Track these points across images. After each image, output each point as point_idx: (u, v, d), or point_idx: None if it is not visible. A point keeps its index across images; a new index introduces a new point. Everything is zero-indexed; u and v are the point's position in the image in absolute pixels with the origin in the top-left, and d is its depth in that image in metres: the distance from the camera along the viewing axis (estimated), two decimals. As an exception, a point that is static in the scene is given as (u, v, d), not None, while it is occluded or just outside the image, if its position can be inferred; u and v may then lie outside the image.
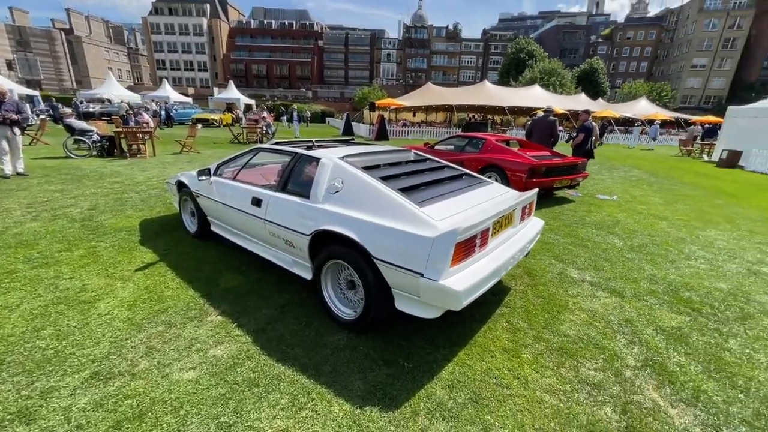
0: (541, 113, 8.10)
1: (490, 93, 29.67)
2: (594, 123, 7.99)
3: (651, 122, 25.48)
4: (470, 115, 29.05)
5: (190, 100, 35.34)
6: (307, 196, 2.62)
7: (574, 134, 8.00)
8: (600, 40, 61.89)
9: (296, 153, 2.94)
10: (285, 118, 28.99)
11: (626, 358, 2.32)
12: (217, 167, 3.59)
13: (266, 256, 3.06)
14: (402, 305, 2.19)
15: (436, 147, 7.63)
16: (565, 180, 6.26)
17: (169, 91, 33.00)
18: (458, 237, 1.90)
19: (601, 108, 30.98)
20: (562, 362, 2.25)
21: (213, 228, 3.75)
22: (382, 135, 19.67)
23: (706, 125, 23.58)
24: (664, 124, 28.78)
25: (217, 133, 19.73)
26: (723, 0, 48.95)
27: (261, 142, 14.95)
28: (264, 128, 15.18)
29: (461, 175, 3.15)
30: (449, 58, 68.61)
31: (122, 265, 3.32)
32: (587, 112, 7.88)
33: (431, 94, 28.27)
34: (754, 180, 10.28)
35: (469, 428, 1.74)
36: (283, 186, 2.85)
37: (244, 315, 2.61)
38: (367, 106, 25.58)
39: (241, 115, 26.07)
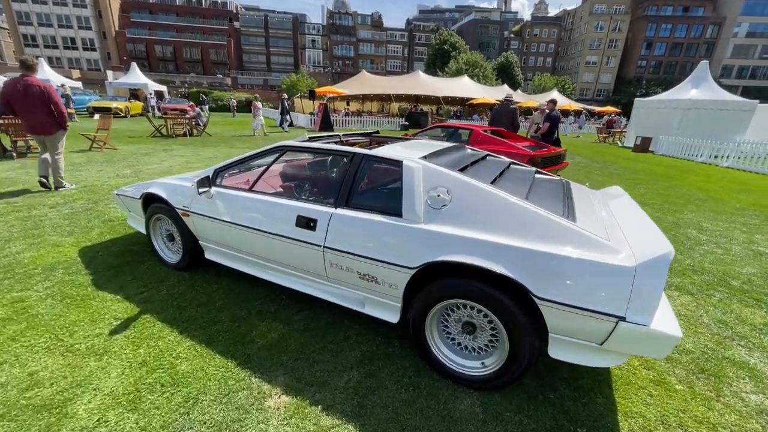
0: (498, 102, 8.11)
1: (424, 83, 30.08)
2: (558, 112, 8.24)
3: (578, 113, 28.40)
4: (413, 104, 29.13)
5: (78, 84, 29.27)
6: (396, 214, 1.92)
7: (540, 123, 8.18)
8: (512, 35, 67.12)
9: (356, 153, 2.18)
10: (206, 107, 25.83)
11: (764, 370, 2.13)
12: (216, 174, 2.61)
13: (315, 293, 2.27)
14: (561, 353, 1.66)
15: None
16: (552, 170, 6.28)
17: (48, 73, 26.84)
18: (670, 261, 1.43)
19: (524, 99, 33.54)
20: (719, 388, 1.97)
21: (209, 256, 2.77)
22: (325, 125, 18.53)
23: (611, 115, 27.00)
24: (578, 114, 32.24)
25: (128, 124, 16.57)
26: (607, 5, 56.47)
27: (191, 134, 12.85)
28: (195, 118, 13.06)
29: (535, 172, 2.71)
30: (376, 47, 68.23)
31: (83, 327, 2.21)
32: (553, 102, 8.08)
33: (367, 82, 27.66)
34: (669, 162, 11.83)
35: None
36: (346, 200, 2.08)
37: (321, 387, 1.83)
38: (306, 94, 23.93)
39: (153, 103, 22.41)
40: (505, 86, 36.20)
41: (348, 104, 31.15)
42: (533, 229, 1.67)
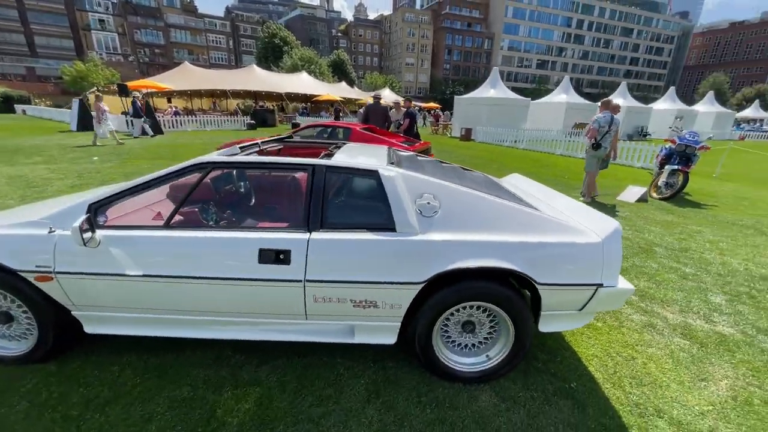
0: (371, 100, 8.55)
1: (262, 78, 28.44)
2: (415, 109, 9.18)
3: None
4: (257, 102, 27.07)
5: None
6: (388, 228, 1.75)
7: (401, 120, 8.96)
8: (339, 34, 70.13)
9: (317, 165, 1.86)
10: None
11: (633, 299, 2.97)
12: (94, 211, 1.79)
13: (286, 337, 1.88)
14: (549, 326, 1.91)
15: (293, 140, 6.70)
16: (425, 161, 6.98)
17: None
18: (621, 232, 1.81)
19: (358, 95, 35.67)
20: (620, 320, 2.64)
21: (93, 328, 1.91)
22: (153, 127, 15.19)
23: (435, 110, 31.76)
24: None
25: None
26: (414, 15, 65.58)
27: None
28: None
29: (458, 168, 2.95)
30: (193, 36, 59.84)
31: None
32: (409, 100, 8.95)
33: (192, 76, 24.10)
34: (489, 148, 14.84)
35: None
36: (320, 221, 1.77)
37: (345, 445, 1.54)
38: (103, 89, 18.94)
39: None
40: (344, 83, 37.81)
41: (170, 101, 26.30)
42: (519, 223, 1.82)
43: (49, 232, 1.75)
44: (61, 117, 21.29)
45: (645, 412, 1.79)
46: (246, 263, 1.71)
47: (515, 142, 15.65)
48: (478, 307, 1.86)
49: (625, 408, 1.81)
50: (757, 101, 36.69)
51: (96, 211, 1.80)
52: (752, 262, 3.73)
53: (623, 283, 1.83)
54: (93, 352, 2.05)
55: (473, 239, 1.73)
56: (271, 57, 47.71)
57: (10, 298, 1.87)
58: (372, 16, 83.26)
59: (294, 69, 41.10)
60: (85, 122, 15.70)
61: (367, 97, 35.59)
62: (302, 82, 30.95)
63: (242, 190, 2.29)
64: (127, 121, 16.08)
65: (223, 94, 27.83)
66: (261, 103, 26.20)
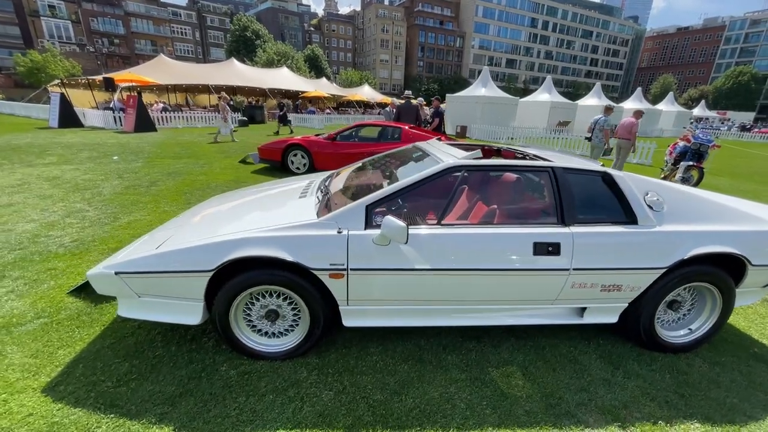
0: (397, 101, 8.78)
1: (242, 73, 27.68)
2: (443, 108, 9.48)
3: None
4: (249, 98, 26.25)
5: None
6: (630, 222, 2.05)
7: (430, 119, 9.25)
8: (312, 29, 68.83)
9: (555, 167, 2.11)
10: None
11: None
12: (369, 211, 1.93)
13: (517, 321, 2.13)
14: (738, 302, 2.28)
15: (339, 139, 6.78)
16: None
17: None
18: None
19: (338, 92, 35.36)
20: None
21: (353, 321, 2.04)
22: (144, 124, 14.39)
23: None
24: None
25: None
26: (388, 11, 65.67)
27: None
28: None
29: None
30: (156, 26, 56.38)
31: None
32: (438, 99, 9.23)
33: (170, 69, 23.04)
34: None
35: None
36: (573, 217, 2.02)
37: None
38: (102, 82, 17.62)
39: None
40: (324, 80, 37.34)
41: (140, 95, 24.80)
42: (727, 215, 2.18)
43: (338, 233, 1.87)
44: (27, 112, 19.55)
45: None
46: (523, 255, 1.93)
47: (511, 139, 16.40)
48: (687, 288, 2.19)
49: (805, 364, 2.23)
50: (703, 101, 40.43)
51: (371, 211, 1.94)
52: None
53: None
54: (336, 345, 2.17)
55: (701, 230, 2.06)
56: (243, 51, 46.08)
57: (283, 297, 1.97)
58: (343, 11, 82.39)
59: (270, 64, 40.01)
60: (68, 118, 14.63)
61: (347, 95, 35.40)
62: (284, 78, 30.30)
63: (485, 189, 2.46)
64: (115, 117, 15.15)
65: (197, 88, 26.73)
66: (257, 100, 25.42)
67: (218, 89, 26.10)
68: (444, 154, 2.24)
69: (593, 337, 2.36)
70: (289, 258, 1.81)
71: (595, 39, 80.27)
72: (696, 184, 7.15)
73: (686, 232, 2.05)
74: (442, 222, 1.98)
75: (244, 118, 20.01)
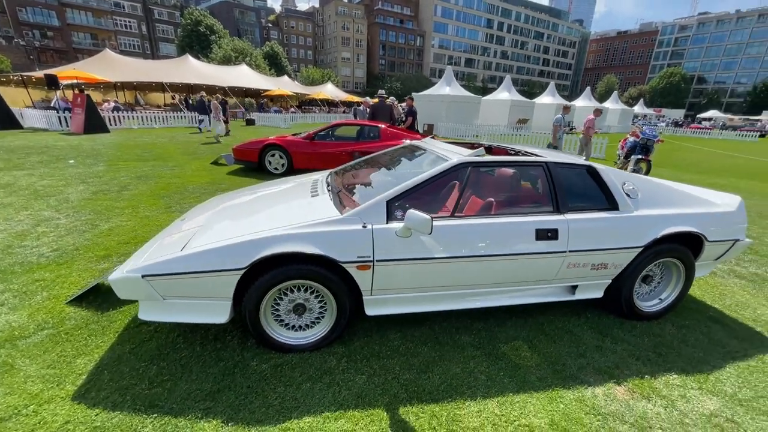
0: (370, 100, 8.94)
1: (198, 70, 26.61)
2: (415, 107, 9.72)
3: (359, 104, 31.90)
4: (201, 94, 25.06)
5: None
6: (612, 208, 2.36)
7: (403, 118, 9.47)
8: (270, 25, 66.83)
9: (547, 162, 2.37)
10: None
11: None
12: (390, 206, 2.07)
13: (513, 301, 2.38)
14: (702, 271, 2.70)
15: (318, 139, 6.81)
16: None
17: None
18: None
19: (301, 90, 34.75)
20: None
21: (375, 310, 2.18)
22: (94, 125, 13.38)
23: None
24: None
25: None
26: (348, 8, 65.27)
27: None
28: None
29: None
30: (97, 18, 52.12)
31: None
32: (411, 98, 9.47)
33: (118, 66, 21.65)
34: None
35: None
36: (566, 205, 2.29)
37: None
38: (40, 79, 16.07)
39: None
40: (285, 78, 36.51)
41: (81, 92, 22.98)
42: (688, 200, 2.56)
43: (363, 227, 1.99)
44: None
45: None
46: (528, 241, 2.17)
47: (476, 136, 17.08)
48: (657, 264, 2.55)
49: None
50: (641, 100, 44.34)
51: (390, 206, 2.08)
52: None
53: (746, 239, 2.68)
54: (357, 335, 2.30)
55: (669, 213, 2.42)
56: (197, 47, 43.85)
57: (310, 290, 2.06)
58: (301, 7, 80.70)
59: (227, 60, 38.47)
60: (4, 119, 13.26)
61: (314, 93, 34.90)
62: (244, 76, 29.34)
63: (490, 183, 2.65)
64: (60, 117, 13.94)
65: (150, 86, 25.27)
66: (223, 99, 24.43)
67: (174, 87, 24.86)
68: (449, 153, 2.43)
69: (582, 311, 2.67)
70: (321, 253, 1.91)
71: (546, 40, 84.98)
72: (645, 175, 7.95)
73: (658, 216, 2.40)
74: (455, 214, 2.17)
75: (201, 118, 19.10)
